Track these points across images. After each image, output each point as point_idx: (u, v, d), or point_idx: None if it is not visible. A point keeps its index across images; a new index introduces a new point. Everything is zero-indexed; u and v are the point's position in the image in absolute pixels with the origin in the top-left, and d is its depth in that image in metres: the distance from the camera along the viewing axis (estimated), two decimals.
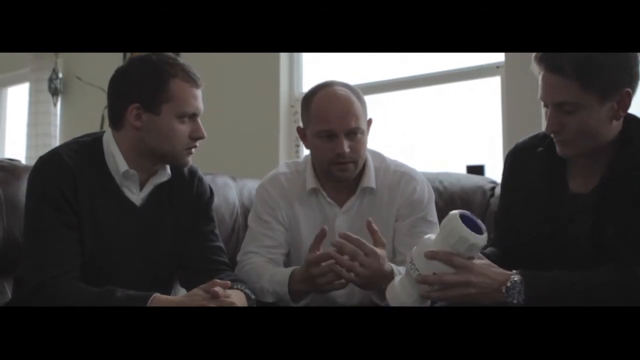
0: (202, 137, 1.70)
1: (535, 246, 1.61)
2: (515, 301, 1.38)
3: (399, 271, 1.73)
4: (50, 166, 1.62)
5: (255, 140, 3.80)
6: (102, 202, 1.66)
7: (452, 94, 3.25)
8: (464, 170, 2.87)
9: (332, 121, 1.87)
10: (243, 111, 3.87)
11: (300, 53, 3.83)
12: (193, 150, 1.71)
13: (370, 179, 1.97)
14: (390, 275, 1.70)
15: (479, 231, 1.40)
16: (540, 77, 1.49)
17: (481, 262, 1.44)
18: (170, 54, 1.70)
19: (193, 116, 1.68)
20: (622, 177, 1.50)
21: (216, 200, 1.97)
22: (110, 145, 1.69)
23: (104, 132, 1.74)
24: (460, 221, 1.39)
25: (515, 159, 1.71)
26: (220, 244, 1.86)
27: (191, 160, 1.73)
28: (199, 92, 1.69)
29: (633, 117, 1.54)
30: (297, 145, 3.74)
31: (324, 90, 1.93)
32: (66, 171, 1.61)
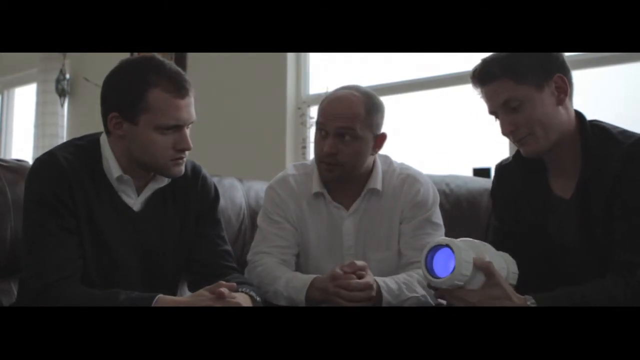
0: (187, 149, 1.63)
1: (530, 251, 1.65)
2: None
3: (386, 283, 1.77)
4: (46, 169, 1.60)
5: (262, 142, 3.80)
6: (99, 206, 1.64)
7: (459, 97, 3.25)
8: (470, 173, 2.86)
9: (325, 116, 1.90)
10: (250, 113, 3.87)
11: (308, 55, 3.83)
12: (181, 160, 1.65)
13: (377, 181, 1.98)
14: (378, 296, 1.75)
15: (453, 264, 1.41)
16: (483, 95, 1.64)
17: (495, 293, 1.44)
18: (160, 58, 1.63)
19: (176, 127, 1.61)
20: (593, 183, 1.57)
21: (223, 202, 1.96)
22: (105, 150, 1.67)
23: (101, 133, 1.71)
24: (423, 261, 1.45)
25: (501, 173, 1.81)
26: (228, 247, 1.84)
27: (182, 170, 1.67)
28: (183, 102, 1.59)
29: (592, 121, 1.65)
30: (304, 147, 3.74)
31: (336, 91, 1.95)
32: (62, 174, 1.58)
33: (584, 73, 2.95)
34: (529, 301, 1.44)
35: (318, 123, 1.93)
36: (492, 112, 1.65)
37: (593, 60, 2.90)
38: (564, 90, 1.60)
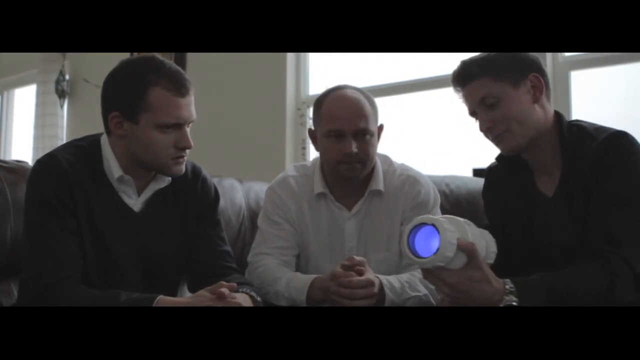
0: (187, 147, 1.64)
1: (521, 249, 1.68)
2: None
3: (389, 281, 1.78)
4: (47, 170, 1.60)
5: (261, 143, 3.80)
6: (99, 207, 1.64)
7: (459, 97, 3.24)
8: (470, 174, 2.86)
9: (341, 121, 1.88)
10: (249, 113, 3.87)
11: (307, 55, 3.83)
12: (182, 159, 1.65)
13: (379, 182, 1.98)
14: (381, 292, 1.74)
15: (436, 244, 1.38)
16: (463, 97, 1.70)
17: (476, 276, 1.42)
18: (160, 57, 1.64)
19: (177, 125, 1.61)
20: (572, 180, 1.61)
21: (223, 203, 1.96)
22: (106, 150, 1.67)
23: (102, 134, 1.71)
24: (405, 239, 1.40)
25: (490, 174, 1.86)
26: (228, 248, 1.84)
27: (183, 169, 1.68)
28: (183, 101, 1.60)
29: (571, 121, 1.69)
30: (304, 148, 3.74)
31: (335, 93, 1.95)
32: (62, 175, 1.59)
33: (584, 73, 2.95)
34: (507, 285, 1.43)
35: (330, 130, 1.90)
36: (471, 112, 1.70)
37: (594, 61, 2.90)
38: (540, 88, 1.65)
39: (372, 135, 1.91)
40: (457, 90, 1.71)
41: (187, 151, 1.66)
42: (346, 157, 1.88)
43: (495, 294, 1.42)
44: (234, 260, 1.85)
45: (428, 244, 1.39)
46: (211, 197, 1.84)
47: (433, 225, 1.38)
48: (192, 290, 1.78)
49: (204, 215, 1.81)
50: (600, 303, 1.45)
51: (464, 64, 1.68)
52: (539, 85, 1.65)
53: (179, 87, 1.60)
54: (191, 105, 1.64)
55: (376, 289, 1.72)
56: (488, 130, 1.67)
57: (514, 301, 1.42)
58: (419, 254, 1.40)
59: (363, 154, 1.89)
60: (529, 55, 1.67)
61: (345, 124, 1.88)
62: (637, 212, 1.53)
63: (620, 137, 1.57)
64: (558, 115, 1.69)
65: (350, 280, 1.69)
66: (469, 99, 1.69)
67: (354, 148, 1.87)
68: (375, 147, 1.94)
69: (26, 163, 2.02)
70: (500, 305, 1.41)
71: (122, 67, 1.65)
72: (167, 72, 1.60)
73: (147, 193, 1.72)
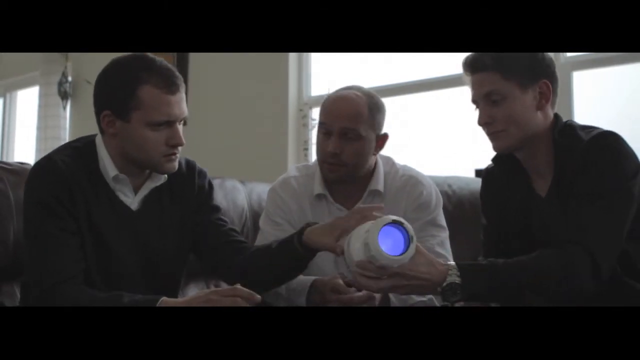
0: (179, 144, 1.64)
1: (519, 249, 1.66)
2: (450, 302, 1.45)
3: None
4: (45, 173, 1.61)
5: (264, 144, 3.80)
6: (97, 207, 1.64)
7: (461, 98, 3.23)
8: (472, 174, 2.86)
9: (328, 116, 1.90)
10: (252, 114, 3.87)
11: (310, 56, 3.83)
12: (174, 156, 1.65)
13: (379, 183, 1.98)
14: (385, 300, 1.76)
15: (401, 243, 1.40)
16: (469, 83, 1.69)
17: (419, 259, 1.45)
18: (150, 55, 1.63)
19: (168, 123, 1.61)
20: (562, 181, 1.62)
21: (225, 204, 1.96)
22: (101, 150, 1.68)
23: (96, 135, 1.72)
24: (376, 239, 1.39)
25: (487, 176, 1.86)
26: (231, 225, 1.85)
27: (175, 167, 1.68)
28: (174, 98, 1.60)
29: (567, 121, 1.69)
30: (306, 149, 3.74)
31: (339, 91, 1.96)
32: (60, 177, 1.59)
33: (586, 73, 2.95)
34: (452, 269, 1.46)
35: (321, 123, 1.93)
36: (474, 100, 1.70)
37: (596, 61, 2.90)
38: (547, 96, 1.64)
39: (360, 138, 1.89)
40: (466, 74, 1.70)
41: (180, 148, 1.66)
42: (328, 155, 1.89)
43: (439, 275, 1.45)
44: (239, 234, 1.85)
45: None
46: (206, 186, 1.84)
47: (396, 222, 1.41)
48: (212, 270, 1.87)
49: (202, 203, 1.81)
50: (558, 290, 1.47)
51: (478, 53, 1.67)
52: (547, 93, 1.64)
53: (170, 84, 1.60)
54: (182, 103, 1.63)
55: (377, 301, 1.71)
56: (485, 124, 1.67)
57: (457, 280, 1.44)
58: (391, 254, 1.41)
59: (346, 157, 1.88)
60: (545, 59, 1.65)
61: (331, 119, 1.89)
62: (609, 206, 1.52)
63: (606, 137, 1.57)
64: (556, 118, 1.69)
65: (351, 298, 1.69)
66: (475, 88, 1.68)
67: (335, 148, 1.87)
68: (364, 152, 1.91)
69: (29, 165, 2.02)
70: (444, 285, 1.44)
71: (113, 65, 1.65)
72: (158, 70, 1.60)
73: (144, 191, 1.72)
